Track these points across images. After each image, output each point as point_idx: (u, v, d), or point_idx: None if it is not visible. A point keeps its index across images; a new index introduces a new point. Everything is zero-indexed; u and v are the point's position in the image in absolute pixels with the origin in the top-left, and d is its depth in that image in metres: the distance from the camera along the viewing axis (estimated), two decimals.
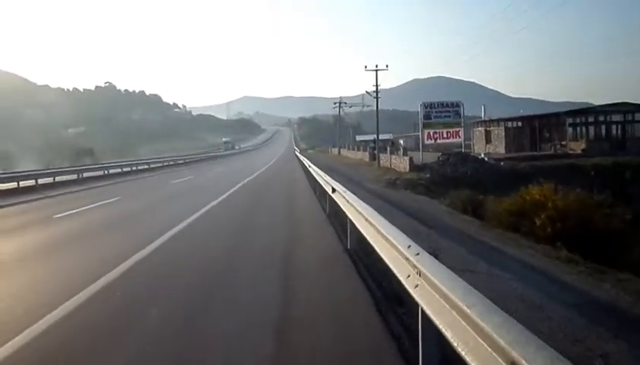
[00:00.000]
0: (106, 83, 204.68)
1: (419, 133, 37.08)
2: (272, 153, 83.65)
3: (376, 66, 39.92)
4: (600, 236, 11.14)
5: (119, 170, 35.63)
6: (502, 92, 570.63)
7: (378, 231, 4.61)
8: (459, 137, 36.79)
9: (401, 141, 68.15)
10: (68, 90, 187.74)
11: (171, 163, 45.75)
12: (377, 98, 40.32)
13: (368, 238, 5.42)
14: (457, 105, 36.29)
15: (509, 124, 49.20)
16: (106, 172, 32.61)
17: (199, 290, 6.51)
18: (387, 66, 40.17)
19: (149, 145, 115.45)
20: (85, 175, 29.59)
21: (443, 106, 36.17)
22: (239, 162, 53.78)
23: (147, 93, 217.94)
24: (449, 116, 35.97)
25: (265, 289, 6.46)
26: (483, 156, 35.95)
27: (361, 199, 8.42)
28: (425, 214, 15.06)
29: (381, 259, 4.79)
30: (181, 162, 48.97)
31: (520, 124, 48.82)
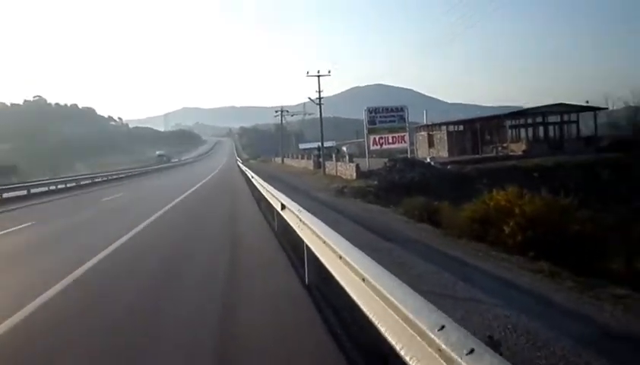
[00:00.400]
0: (35, 96, 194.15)
1: (365, 139, 36.26)
2: (213, 164, 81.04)
3: (318, 72, 38.94)
4: (572, 242, 10.28)
5: (45, 189, 32.72)
6: (438, 98, 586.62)
7: (371, 286, 2.83)
8: (405, 142, 36.25)
9: (344, 148, 67.49)
10: None
11: (104, 179, 42.75)
12: (320, 104, 39.26)
13: (347, 288, 3.69)
14: (402, 109, 35.75)
15: (451, 128, 49.46)
16: (28, 192, 29.74)
17: None
18: (329, 72, 39.30)
19: (83, 161, 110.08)
20: (5, 195, 27.08)
21: (388, 111, 35.52)
22: (178, 175, 51.25)
23: (80, 106, 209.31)
24: (394, 121, 35.34)
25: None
26: (429, 160, 35.57)
27: (310, 211, 7.04)
28: (381, 225, 13.90)
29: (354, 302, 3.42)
30: (114, 177, 45.96)
31: (461, 127, 49.17)
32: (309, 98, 39.99)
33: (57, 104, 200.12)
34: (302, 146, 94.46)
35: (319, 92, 39.07)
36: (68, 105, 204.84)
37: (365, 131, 35.35)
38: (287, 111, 79.52)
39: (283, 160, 72.01)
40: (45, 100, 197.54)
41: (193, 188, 28.64)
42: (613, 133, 47.90)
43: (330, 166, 38.79)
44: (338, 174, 35.87)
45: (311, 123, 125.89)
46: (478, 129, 45.54)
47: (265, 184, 13.16)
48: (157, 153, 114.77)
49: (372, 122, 35.06)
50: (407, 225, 14.01)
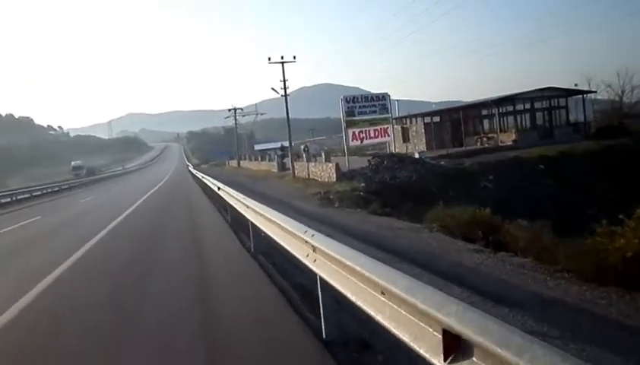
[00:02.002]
0: None
1: (343, 133, 30.83)
2: (162, 171, 73.67)
3: (282, 58, 33.19)
4: None
5: None
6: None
7: None
8: (388, 135, 31.04)
9: (302, 147, 62.20)
10: None
11: (26, 195, 35.39)
12: (285, 95, 33.60)
13: None
14: (384, 97, 30.51)
15: (427, 119, 44.85)
16: None
17: None
18: (294, 58, 33.61)
19: (18, 174, 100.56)
20: None
21: (367, 100, 30.18)
22: (119, 186, 44.23)
23: (17, 115, 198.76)
24: (375, 111, 30.06)
25: None
26: (417, 155, 30.63)
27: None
28: (442, 259, 8.59)
29: None
30: (40, 192, 38.53)
31: (438, 119, 44.63)
32: (272, 88, 34.26)
33: None
34: (257, 147, 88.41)
35: (284, 81, 33.40)
36: (3, 115, 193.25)
37: (343, 125, 29.83)
38: (242, 109, 73.34)
39: (239, 163, 65.71)
40: None
41: (136, 204, 22.42)
42: (598, 117, 44.78)
43: (299, 168, 33.25)
44: (312, 176, 30.41)
45: (261, 125, 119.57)
46: (461, 119, 41.01)
47: (272, 214, 6.42)
48: (73, 164, 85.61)
49: (350, 113, 29.62)
50: (484, 257, 8.69)
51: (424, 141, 42.96)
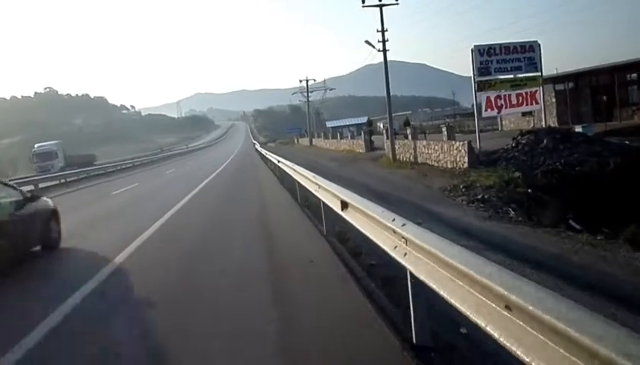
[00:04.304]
0: (46, 88, 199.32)
1: (474, 98, 22.00)
2: (227, 150, 67.23)
3: (380, 0, 24.64)
4: None
5: None
6: (453, 72, 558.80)
7: None
8: (536, 102, 21.83)
9: (380, 124, 54.14)
10: (4, 98, 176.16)
11: (66, 179, 29.20)
12: (385, 48, 25.11)
13: None
14: (532, 48, 21.15)
15: (558, 86, 34.66)
16: None
17: None
18: (396, 0, 24.95)
19: (89, 151, 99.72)
20: None
21: (509, 52, 21.01)
22: (180, 169, 37.54)
23: (92, 96, 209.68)
24: (519, 68, 20.99)
25: None
26: (581, 130, 21.52)
27: None
28: None
29: None
30: (87, 175, 32.40)
31: (573, 84, 34.36)
32: (367, 41, 25.79)
33: (68, 95, 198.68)
34: (330, 124, 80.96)
35: (382, 32, 24.83)
36: (80, 95, 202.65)
37: (474, 86, 20.84)
38: (315, 80, 65.76)
39: (311, 142, 58.11)
40: (57, 91, 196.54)
41: (188, 197, 14.88)
42: None
43: (401, 148, 24.97)
44: (421, 160, 22.06)
45: (326, 103, 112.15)
46: (616, 84, 30.68)
47: None
48: (36, 147, 45.16)
49: (484, 70, 20.59)
50: None
51: (554, 113, 33.06)
